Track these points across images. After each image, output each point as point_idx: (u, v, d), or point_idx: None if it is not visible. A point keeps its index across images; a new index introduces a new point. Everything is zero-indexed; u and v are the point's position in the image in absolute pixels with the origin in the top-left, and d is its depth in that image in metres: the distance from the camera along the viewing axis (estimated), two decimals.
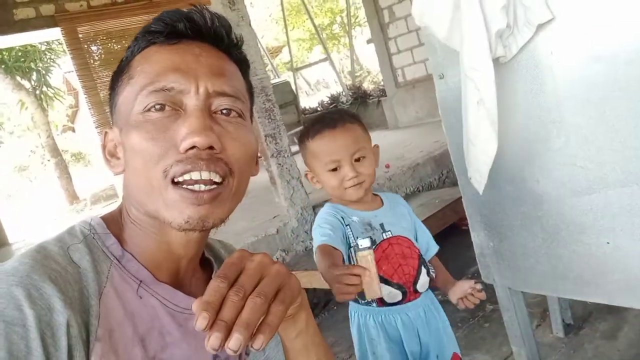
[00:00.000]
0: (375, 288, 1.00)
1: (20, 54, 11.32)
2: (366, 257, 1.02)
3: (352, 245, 1.43)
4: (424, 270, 1.49)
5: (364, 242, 1.02)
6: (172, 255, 0.72)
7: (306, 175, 1.52)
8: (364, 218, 1.46)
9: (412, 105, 6.37)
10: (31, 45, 11.30)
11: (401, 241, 1.47)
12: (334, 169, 1.41)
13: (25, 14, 6.23)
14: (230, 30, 0.74)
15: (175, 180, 0.64)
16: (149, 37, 0.70)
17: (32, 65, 11.49)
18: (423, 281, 1.48)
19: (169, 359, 0.68)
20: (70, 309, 0.57)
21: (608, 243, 1.47)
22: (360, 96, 7.96)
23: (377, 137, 6.91)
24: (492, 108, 1.44)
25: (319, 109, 8.94)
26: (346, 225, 1.44)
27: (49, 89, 11.95)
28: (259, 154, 0.82)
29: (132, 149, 0.66)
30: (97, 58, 6.45)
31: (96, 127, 6.32)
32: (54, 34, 6.72)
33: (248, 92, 0.77)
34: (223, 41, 0.73)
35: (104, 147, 0.75)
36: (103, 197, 11.69)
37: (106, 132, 0.75)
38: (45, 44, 11.62)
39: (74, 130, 21.40)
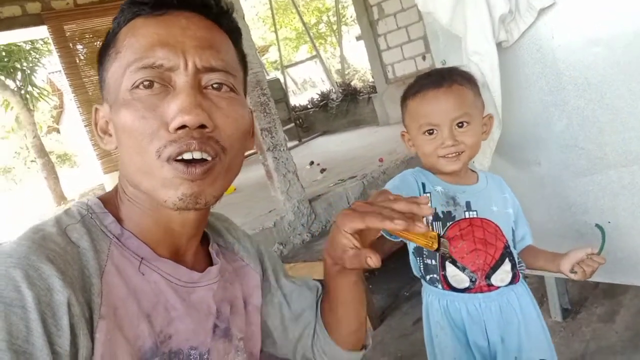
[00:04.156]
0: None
1: (4, 53, 11.16)
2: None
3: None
4: (507, 264, 1.28)
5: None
6: (171, 232, 0.71)
7: (402, 135, 1.36)
8: (449, 190, 1.29)
9: None
10: (15, 45, 11.15)
11: (486, 225, 1.28)
12: (431, 133, 1.25)
13: (11, 12, 6.16)
14: None
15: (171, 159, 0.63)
16: (134, 8, 0.67)
17: (17, 65, 11.33)
18: (501, 275, 1.28)
19: (175, 333, 0.68)
20: (71, 288, 0.57)
21: (609, 222, 1.51)
22: (350, 93, 7.98)
23: (368, 133, 6.94)
24: (495, 91, 1.47)
25: (309, 106, 8.95)
26: (425, 193, 1.28)
27: (34, 88, 11.80)
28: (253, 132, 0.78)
29: (122, 128, 0.65)
30: (83, 57, 6.40)
31: (85, 126, 6.29)
32: (41, 32, 6.66)
33: (240, 63, 0.74)
34: (211, 9, 0.69)
35: (95, 124, 0.73)
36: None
37: (97, 109, 0.73)
38: (30, 43, 11.47)
39: (58, 132, 21.13)
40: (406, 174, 1.31)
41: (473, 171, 1.37)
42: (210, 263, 0.79)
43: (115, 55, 0.67)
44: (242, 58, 0.75)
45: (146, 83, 0.64)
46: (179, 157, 0.63)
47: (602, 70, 1.42)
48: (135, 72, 0.64)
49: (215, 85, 0.67)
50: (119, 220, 0.69)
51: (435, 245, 0.73)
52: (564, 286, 2.35)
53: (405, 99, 1.32)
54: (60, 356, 0.54)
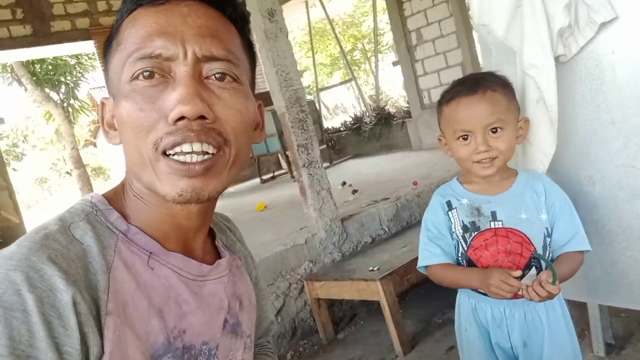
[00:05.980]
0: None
1: (50, 67, 11.63)
2: None
3: (453, 231, 1.35)
4: (532, 272, 1.29)
5: None
6: (177, 226, 0.70)
7: (439, 139, 1.41)
8: (474, 202, 1.33)
9: (436, 127, 6.33)
10: (61, 59, 11.61)
11: (512, 235, 1.29)
12: (465, 138, 1.28)
13: (61, 26, 6.45)
14: None
15: (167, 152, 0.62)
16: None
17: (62, 78, 11.79)
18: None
19: (189, 328, 0.67)
20: (75, 286, 0.56)
21: None
22: (384, 117, 7.97)
23: (401, 157, 6.89)
24: (552, 106, 1.43)
25: (341, 129, 8.98)
26: (452, 209, 1.35)
27: (76, 101, 12.23)
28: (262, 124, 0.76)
29: (122, 120, 0.64)
30: None
31: None
32: (87, 46, 6.93)
33: (247, 52, 0.71)
34: None
35: (102, 118, 0.71)
36: None
37: (103, 103, 0.71)
38: (75, 58, 11.93)
39: (95, 145, 21.77)
40: (434, 203, 1.39)
41: (515, 172, 1.38)
42: (218, 257, 0.78)
43: (116, 48, 0.66)
44: (249, 47, 0.73)
45: (146, 74, 0.62)
46: (176, 151, 0.61)
47: None
48: (134, 62, 0.62)
49: (217, 76, 0.64)
50: (124, 216, 0.68)
51: None
52: (607, 320, 2.24)
53: (440, 104, 1.36)
54: (72, 356, 0.53)
